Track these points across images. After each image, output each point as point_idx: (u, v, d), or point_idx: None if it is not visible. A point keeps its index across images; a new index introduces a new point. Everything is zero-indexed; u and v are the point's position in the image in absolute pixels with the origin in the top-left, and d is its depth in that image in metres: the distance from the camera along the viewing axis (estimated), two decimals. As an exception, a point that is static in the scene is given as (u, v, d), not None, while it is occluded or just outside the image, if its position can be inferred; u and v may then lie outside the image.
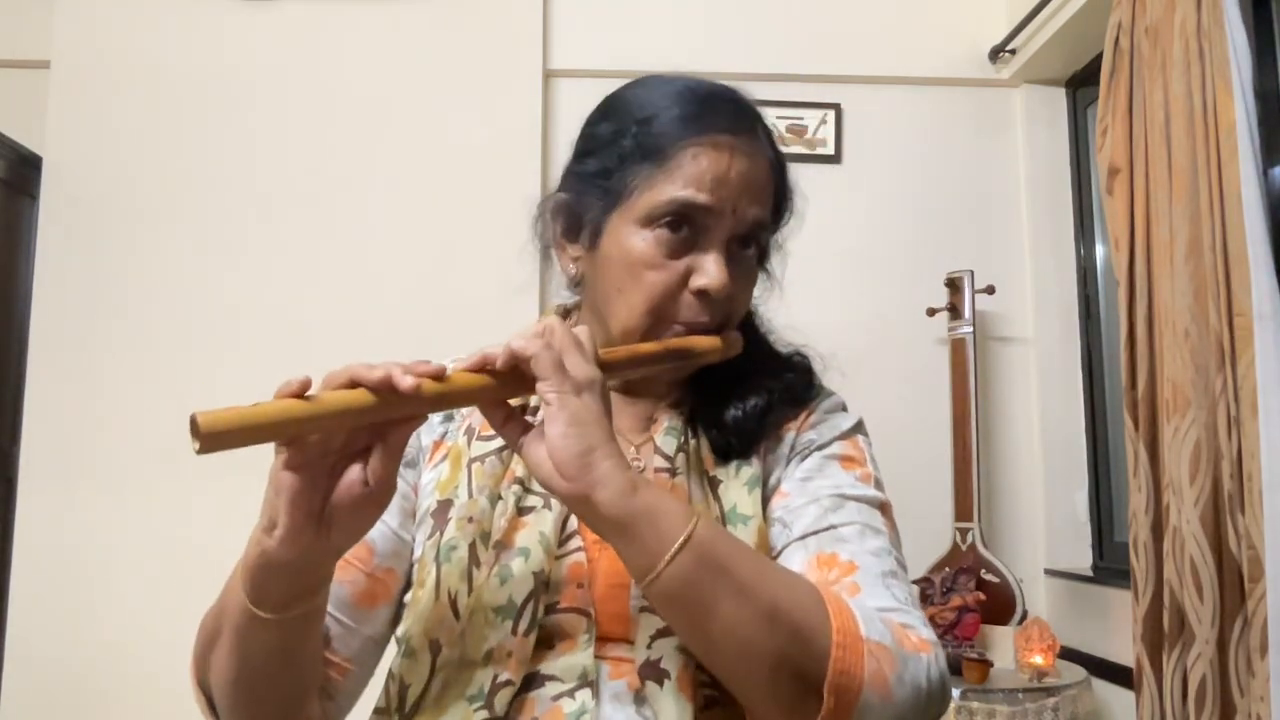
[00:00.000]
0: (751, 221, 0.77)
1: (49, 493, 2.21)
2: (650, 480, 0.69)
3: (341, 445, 0.61)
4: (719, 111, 0.78)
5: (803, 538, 0.74)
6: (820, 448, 0.80)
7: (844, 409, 0.85)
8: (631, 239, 0.76)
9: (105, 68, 2.35)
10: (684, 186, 0.75)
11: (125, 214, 2.31)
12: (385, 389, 0.58)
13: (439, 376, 0.61)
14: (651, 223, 0.76)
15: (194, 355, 2.26)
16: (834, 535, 0.73)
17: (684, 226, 0.75)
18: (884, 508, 0.78)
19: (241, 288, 2.30)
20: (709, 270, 0.75)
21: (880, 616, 0.66)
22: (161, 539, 2.16)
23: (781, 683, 0.61)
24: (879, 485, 0.80)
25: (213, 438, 0.51)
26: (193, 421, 0.51)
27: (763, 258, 0.85)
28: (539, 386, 0.62)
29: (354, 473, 0.61)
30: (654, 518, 0.61)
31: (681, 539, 0.60)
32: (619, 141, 0.79)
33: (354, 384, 0.58)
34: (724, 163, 0.76)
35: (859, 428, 0.84)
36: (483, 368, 0.64)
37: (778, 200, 0.83)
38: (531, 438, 0.64)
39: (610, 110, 0.83)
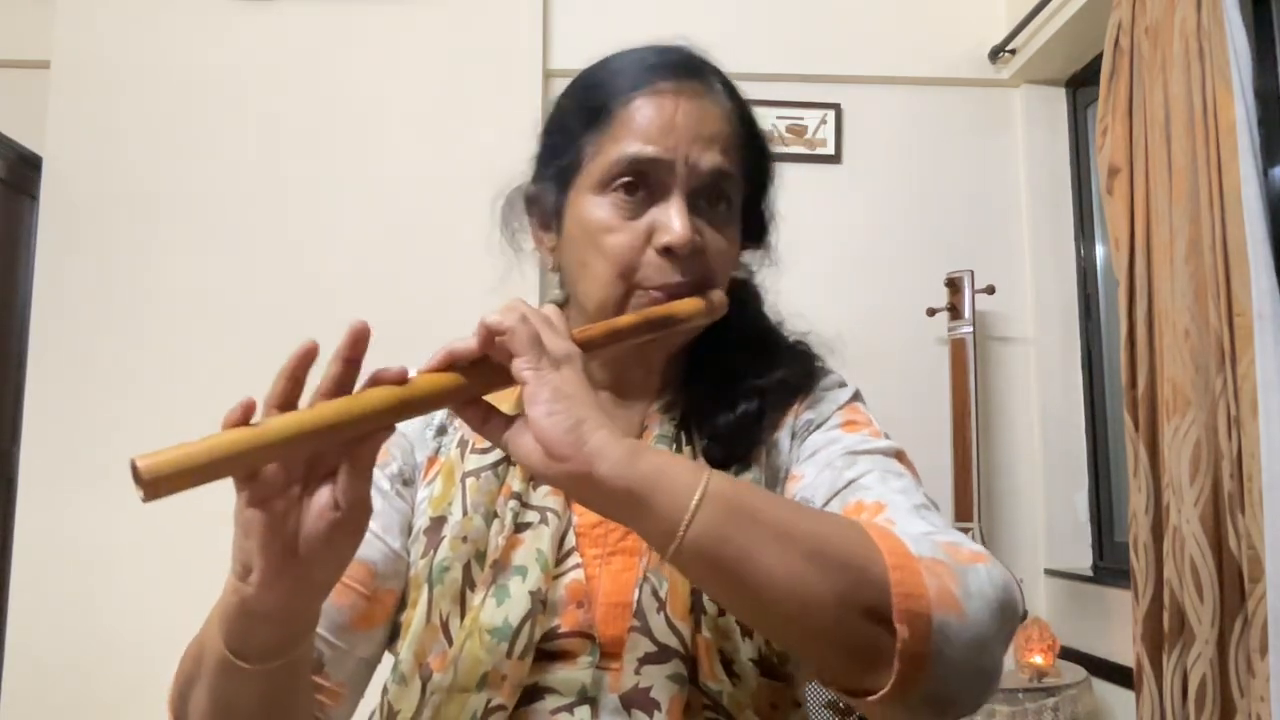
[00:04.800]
0: (709, 170, 0.72)
1: (49, 493, 2.20)
2: (649, 445, 0.64)
3: (305, 471, 0.55)
4: (663, 63, 0.75)
5: (826, 502, 0.70)
6: (820, 425, 0.77)
7: (841, 385, 0.82)
8: (588, 209, 0.73)
9: (105, 68, 2.35)
10: (630, 141, 0.71)
11: (125, 214, 2.31)
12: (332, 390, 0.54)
13: (400, 381, 0.55)
14: (604, 188, 0.72)
15: (194, 355, 2.26)
16: (854, 487, 0.69)
17: (639, 186, 0.71)
18: (899, 455, 0.75)
19: (241, 287, 2.30)
20: (669, 225, 0.70)
21: (926, 538, 0.60)
22: (161, 539, 2.16)
23: (847, 624, 0.54)
24: (888, 438, 0.76)
25: (156, 483, 0.46)
26: (133, 468, 0.46)
27: (759, 231, 0.82)
28: (515, 364, 0.57)
29: (323, 497, 0.55)
30: (663, 480, 0.55)
31: (699, 494, 0.54)
32: (567, 115, 0.76)
33: (291, 384, 0.53)
34: (667, 110, 0.71)
35: (856, 396, 0.81)
36: (450, 365, 0.58)
37: (751, 157, 0.78)
38: (516, 429, 0.58)
39: (566, 90, 0.80)
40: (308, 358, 0.54)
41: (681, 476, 0.55)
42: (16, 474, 2.21)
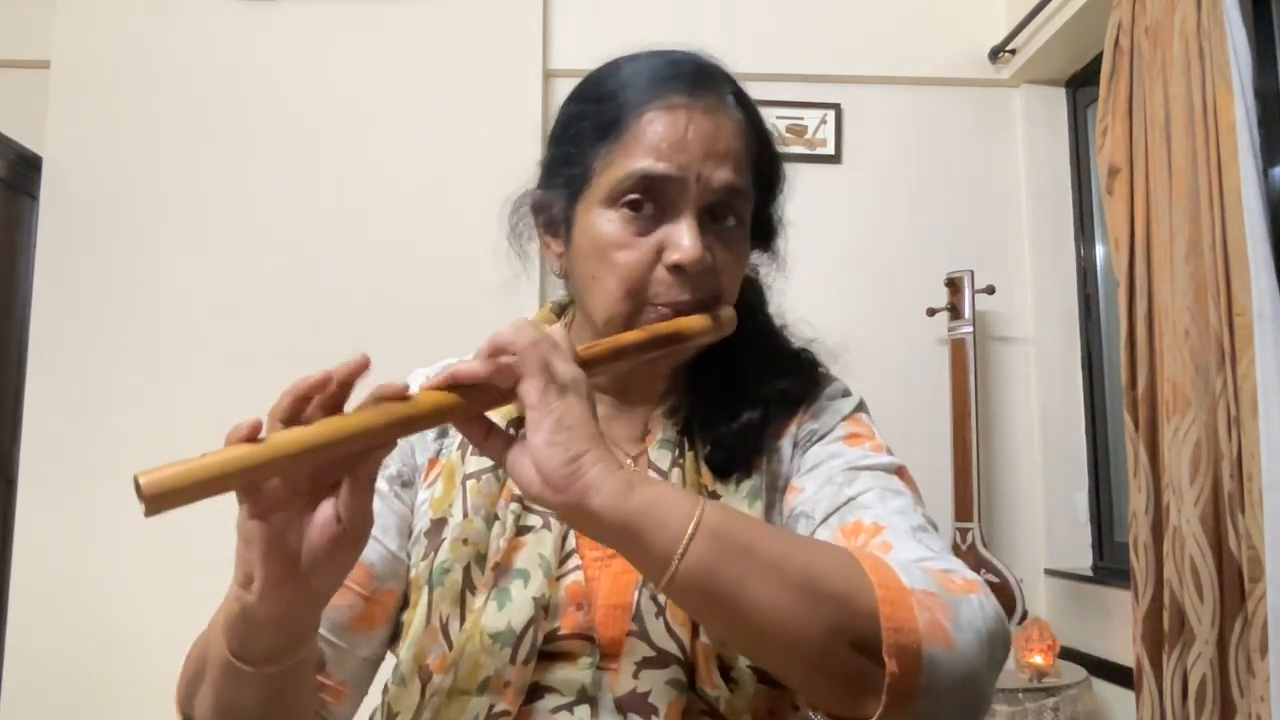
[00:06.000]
0: (721, 187, 0.72)
1: (49, 493, 2.21)
2: (646, 475, 0.64)
3: (308, 485, 0.56)
4: (676, 75, 0.74)
5: (825, 519, 0.70)
6: (822, 436, 0.77)
7: (845, 394, 0.82)
8: (598, 223, 0.72)
9: (105, 68, 2.35)
10: (642, 157, 0.70)
11: (125, 214, 2.31)
12: (335, 406, 0.54)
13: (401, 396, 0.56)
14: (614, 202, 0.71)
15: (193, 355, 2.26)
16: (854, 505, 0.69)
17: (649, 201, 0.71)
18: (900, 471, 0.75)
19: (241, 287, 2.30)
20: (680, 243, 0.70)
21: (918, 566, 0.60)
22: (161, 539, 2.16)
23: (836, 656, 0.54)
24: (890, 453, 0.76)
25: (158, 499, 0.47)
26: (136, 484, 0.47)
27: (767, 235, 0.82)
28: (521, 388, 0.57)
29: (325, 510, 0.56)
30: (657, 512, 0.55)
31: (691, 527, 0.54)
32: (578, 124, 0.75)
33: (301, 404, 0.54)
34: (680, 126, 0.71)
35: (860, 407, 0.81)
36: (453, 385, 0.58)
37: (762, 167, 0.77)
38: (516, 451, 0.58)
39: (575, 94, 0.79)
40: (319, 385, 0.54)
41: (676, 509, 0.56)
42: (16, 474, 2.21)
